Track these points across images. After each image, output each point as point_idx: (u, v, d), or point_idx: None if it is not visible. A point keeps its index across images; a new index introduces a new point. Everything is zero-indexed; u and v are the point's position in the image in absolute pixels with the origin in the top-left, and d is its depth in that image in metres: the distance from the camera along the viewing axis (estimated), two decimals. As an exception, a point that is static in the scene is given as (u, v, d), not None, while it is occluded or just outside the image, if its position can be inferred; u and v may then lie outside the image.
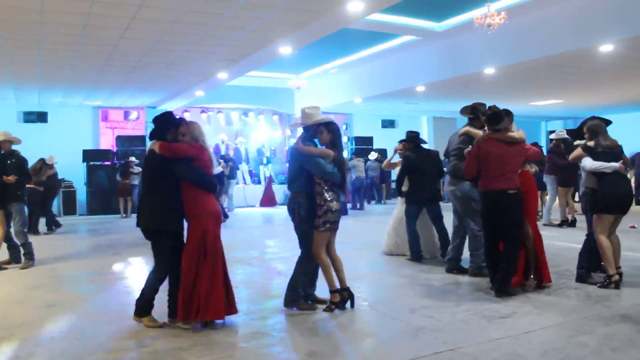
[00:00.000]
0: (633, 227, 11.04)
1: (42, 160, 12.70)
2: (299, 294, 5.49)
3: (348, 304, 5.42)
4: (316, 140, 5.49)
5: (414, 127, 25.02)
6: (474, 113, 6.76)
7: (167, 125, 5.06)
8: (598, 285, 6.13)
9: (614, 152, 6.17)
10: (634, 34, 9.84)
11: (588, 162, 6.17)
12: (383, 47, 14.80)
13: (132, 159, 16.97)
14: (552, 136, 12.17)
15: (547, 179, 11.92)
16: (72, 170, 17.37)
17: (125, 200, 16.80)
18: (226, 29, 9.79)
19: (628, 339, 4.41)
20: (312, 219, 5.29)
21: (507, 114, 5.91)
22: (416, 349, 4.28)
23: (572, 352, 4.13)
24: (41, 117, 18.43)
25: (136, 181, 16.40)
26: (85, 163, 17.84)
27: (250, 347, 4.47)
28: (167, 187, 4.89)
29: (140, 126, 20.08)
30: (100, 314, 5.53)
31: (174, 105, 19.44)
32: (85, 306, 5.93)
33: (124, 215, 16.68)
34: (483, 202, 6.08)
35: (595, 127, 6.28)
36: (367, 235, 11.04)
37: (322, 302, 5.52)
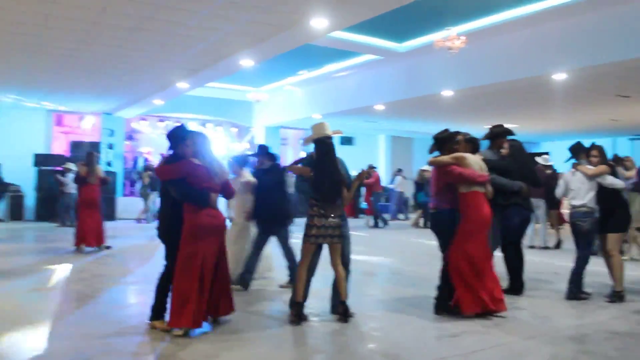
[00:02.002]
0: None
1: None
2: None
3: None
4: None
5: (372, 145, 25.45)
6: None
7: (175, 140, 5.28)
8: (607, 300, 6.50)
9: (615, 172, 6.78)
10: (586, 64, 10.20)
11: (617, 180, 6.54)
12: (344, 64, 14.93)
13: (69, 165, 15.29)
14: (540, 161, 12.08)
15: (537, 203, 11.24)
16: (21, 175, 16.90)
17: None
18: (188, 38, 9.74)
19: (572, 357, 4.51)
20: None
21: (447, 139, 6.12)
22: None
23: (519, 371, 4.21)
24: (-7, 120, 17.81)
25: (72, 189, 14.63)
26: (36, 168, 17.33)
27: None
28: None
29: (96, 132, 19.71)
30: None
31: (131, 113, 19.17)
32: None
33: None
34: None
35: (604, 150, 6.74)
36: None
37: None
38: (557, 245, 11.75)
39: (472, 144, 6.21)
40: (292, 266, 7.00)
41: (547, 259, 9.93)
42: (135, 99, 16.32)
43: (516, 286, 6.92)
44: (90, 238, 10.15)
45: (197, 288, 4.92)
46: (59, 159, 17.70)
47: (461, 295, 5.68)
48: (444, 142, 6.14)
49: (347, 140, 24.37)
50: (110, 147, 18.62)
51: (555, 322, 5.69)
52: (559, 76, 11.17)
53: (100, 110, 18.87)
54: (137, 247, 11.29)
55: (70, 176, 14.49)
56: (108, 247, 10.48)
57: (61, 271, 8.23)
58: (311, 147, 5.69)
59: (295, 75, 16.53)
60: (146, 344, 4.78)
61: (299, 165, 5.70)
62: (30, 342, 4.78)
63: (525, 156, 7.34)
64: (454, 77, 12.79)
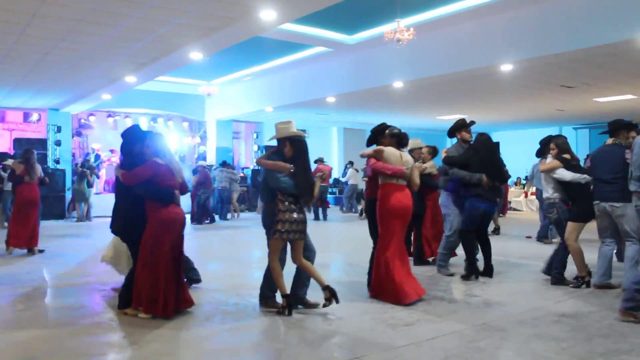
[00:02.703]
0: (529, 237, 11.65)
1: None
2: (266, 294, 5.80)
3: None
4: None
5: (325, 138, 25.51)
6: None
7: (134, 140, 5.57)
8: (571, 285, 6.76)
9: (579, 165, 6.94)
10: (531, 55, 10.42)
11: (567, 173, 6.75)
12: (295, 57, 14.87)
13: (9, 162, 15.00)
14: None
15: None
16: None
17: None
18: (135, 30, 9.52)
19: (523, 341, 4.62)
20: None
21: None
22: (322, 358, 4.30)
23: (471, 356, 4.28)
24: None
25: (7, 186, 13.74)
26: (-23, 166, 16.64)
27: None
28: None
29: (42, 129, 19.14)
30: None
31: (79, 108, 18.68)
32: None
33: None
34: None
35: (566, 144, 7.02)
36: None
37: (312, 306, 5.75)
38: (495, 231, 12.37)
39: (396, 138, 6.41)
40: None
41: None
42: (82, 93, 15.89)
43: (471, 270, 7.33)
44: (22, 239, 9.52)
45: (163, 278, 5.27)
46: (2, 157, 17.08)
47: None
48: (377, 135, 6.58)
49: (300, 133, 24.32)
50: (58, 143, 18.08)
51: (506, 307, 5.82)
52: (506, 67, 11.38)
53: (46, 105, 18.32)
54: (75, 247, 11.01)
55: (3, 174, 13.85)
56: (41, 251, 9.78)
57: None
58: (272, 142, 5.78)
59: (246, 69, 16.41)
60: (99, 344, 4.67)
61: (270, 160, 5.62)
62: (-26, 346, 4.61)
63: (490, 149, 7.56)
64: (404, 68, 12.90)
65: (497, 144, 8.42)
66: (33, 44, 10.26)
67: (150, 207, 5.38)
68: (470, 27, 11.19)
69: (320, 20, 11.27)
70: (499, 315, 5.49)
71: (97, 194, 18.29)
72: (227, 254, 10.20)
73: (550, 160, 7.05)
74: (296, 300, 5.76)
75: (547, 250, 7.45)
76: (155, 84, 17.08)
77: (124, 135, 5.68)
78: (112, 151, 19.51)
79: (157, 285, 5.27)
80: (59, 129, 18.31)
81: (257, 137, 22.90)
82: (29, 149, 10.13)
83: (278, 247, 5.57)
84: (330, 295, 5.51)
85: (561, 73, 12.48)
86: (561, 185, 6.88)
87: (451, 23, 11.23)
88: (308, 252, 5.78)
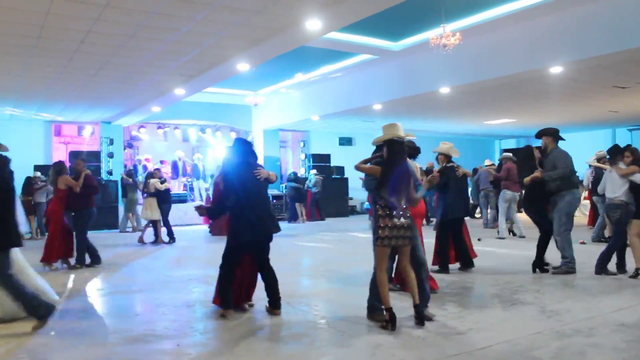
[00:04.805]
0: (583, 242, 11.36)
1: None
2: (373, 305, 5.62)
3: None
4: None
5: (372, 146, 25.32)
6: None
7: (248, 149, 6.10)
8: (630, 276, 7.57)
9: None
10: (581, 57, 10.20)
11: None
12: (340, 65, 14.93)
13: (38, 174, 15.61)
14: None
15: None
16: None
17: (29, 220, 14.41)
18: (183, 44, 9.75)
19: (579, 351, 4.49)
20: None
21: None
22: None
23: (526, 367, 4.19)
24: (-10, 131, 17.70)
25: (42, 198, 14.92)
26: (36, 179, 17.23)
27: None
28: None
29: (95, 141, 19.72)
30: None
31: (129, 121, 19.20)
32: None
33: (30, 236, 14.53)
34: None
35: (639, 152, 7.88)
36: (324, 253, 11.05)
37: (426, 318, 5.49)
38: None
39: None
40: None
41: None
42: (133, 106, 16.33)
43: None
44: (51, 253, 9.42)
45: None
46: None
47: None
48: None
49: (346, 141, 24.36)
50: (111, 155, 18.58)
51: (561, 316, 5.67)
52: (555, 69, 11.16)
53: (98, 119, 18.88)
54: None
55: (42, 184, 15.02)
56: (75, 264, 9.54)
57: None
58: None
59: (292, 78, 16.54)
60: (152, 352, 4.76)
61: (368, 164, 5.60)
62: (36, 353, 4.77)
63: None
64: (450, 74, 12.79)
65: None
66: (87, 59, 10.62)
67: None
68: (516, 30, 11.03)
69: (365, 28, 11.29)
70: (553, 324, 5.34)
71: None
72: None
73: (629, 167, 7.70)
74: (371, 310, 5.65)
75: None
76: (203, 95, 17.39)
77: (251, 145, 6.17)
78: (162, 162, 19.90)
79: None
80: (111, 142, 18.82)
81: (304, 145, 23.01)
82: (56, 162, 10.17)
83: (383, 254, 5.33)
84: (390, 319, 5.21)
85: (613, 74, 12.17)
86: (632, 188, 7.61)
87: (497, 27, 11.10)
88: (414, 263, 5.53)
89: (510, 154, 13.53)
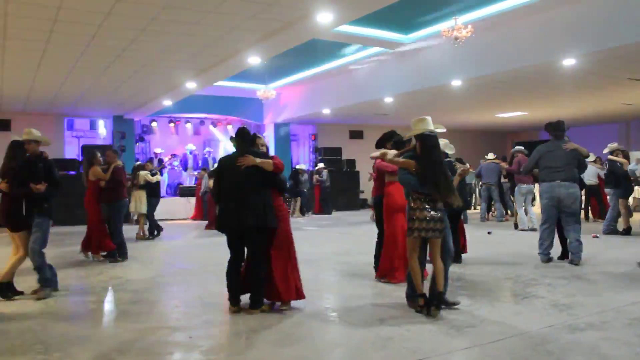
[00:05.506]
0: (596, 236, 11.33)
1: None
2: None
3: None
4: None
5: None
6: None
7: (252, 138, 6.08)
8: None
9: None
10: (594, 49, 10.11)
11: None
12: (352, 58, 14.89)
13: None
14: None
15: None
16: (35, 180, 16.96)
17: None
18: (194, 37, 9.76)
19: (592, 345, 4.47)
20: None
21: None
22: None
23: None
24: (4, 124, 17.87)
25: None
26: (49, 172, 17.32)
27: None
28: (268, 190, 5.80)
29: (107, 135, 19.82)
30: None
31: (141, 114, 19.26)
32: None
33: None
34: None
35: None
36: (336, 244, 11.06)
37: (452, 304, 5.77)
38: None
39: (397, 144, 6.85)
40: None
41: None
42: (144, 100, 16.39)
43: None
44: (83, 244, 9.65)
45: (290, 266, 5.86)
46: (72, 164, 17.79)
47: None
48: (384, 141, 7.19)
49: (356, 134, 24.30)
50: (123, 149, 18.65)
51: (574, 310, 5.65)
52: (568, 62, 11.07)
53: (110, 113, 18.97)
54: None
55: None
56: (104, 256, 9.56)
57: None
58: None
59: (303, 71, 16.53)
60: (167, 344, 4.80)
61: (401, 158, 5.69)
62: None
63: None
64: (463, 66, 12.72)
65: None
66: (98, 54, 10.67)
67: (275, 200, 5.83)
68: (529, 22, 10.95)
69: (376, 21, 11.24)
70: (566, 318, 5.32)
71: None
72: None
73: None
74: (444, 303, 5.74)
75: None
76: (215, 89, 17.42)
77: (246, 133, 5.98)
78: (174, 155, 19.97)
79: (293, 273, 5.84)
80: (123, 136, 18.90)
81: (314, 139, 23.00)
82: (88, 151, 10.11)
83: (414, 245, 5.56)
84: (425, 304, 5.48)
85: (628, 65, 12.04)
86: None
87: (509, 19, 11.02)
88: (443, 253, 5.68)
89: (522, 147, 13.48)
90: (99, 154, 9.76)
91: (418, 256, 5.60)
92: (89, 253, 9.60)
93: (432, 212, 5.44)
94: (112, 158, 9.60)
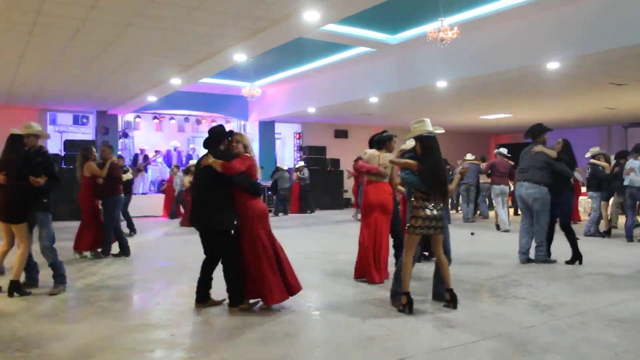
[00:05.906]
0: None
1: None
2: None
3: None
4: None
5: (367, 138, 25.35)
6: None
7: (221, 137, 5.86)
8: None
9: None
10: (578, 53, 10.21)
11: None
12: (338, 57, 14.88)
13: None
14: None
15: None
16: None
17: None
18: (179, 33, 9.70)
19: (572, 346, 4.51)
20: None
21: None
22: (366, 359, 4.29)
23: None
24: (-16, 119, 17.52)
25: None
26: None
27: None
28: (223, 191, 5.65)
29: (90, 131, 19.64)
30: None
31: (125, 110, 19.11)
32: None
33: None
34: None
35: None
36: (321, 244, 11.05)
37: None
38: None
39: (376, 143, 7.44)
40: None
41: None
42: (128, 96, 16.26)
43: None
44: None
45: (269, 267, 5.61)
46: (54, 158, 17.55)
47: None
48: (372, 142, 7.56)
49: (341, 133, 24.33)
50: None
51: (554, 311, 5.69)
52: (552, 65, 11.16)
53: (94, 108, 18.80)
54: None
55: None
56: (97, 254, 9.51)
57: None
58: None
59: (289, 70, 16.51)
60: (147, 341, 4.76)
61: (403, 159, 5.83)
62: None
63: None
64: (448, 68, 12.77)
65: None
66: (83, 48, 10.57)
67: (242, 200, 5.63)
68: (515, 25, 11.02)
69: (363, 21, 11.25)
70: (547, 318, 5.36)
71: (143, 193, 18.72)
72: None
73: None
74: (436, 297, 6.05)
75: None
76: (200, 86, 17.34)
77: (212, 132, 5.93)
78: (157, 152, 19.87)
79: (266, 275, 5.56)
80: (106, 131, 18.74)
81: (299, 137, 22.98)
82: (83, 147, 9.94)
83: (412, 242, 5.66)
84: (451, 299, 5.73)
85: (611, 70, 12.17)
86: None
87: (495, 22, 11.09)
88: (444, 247, 5.91)
89: (504, 149, 13.65)
90: (94, 150, 9.66)
91: (414, 254, 5.72)
92: (88, 252, 9.48)
93: (434, 211, 5.59)
94: (107, 153, 9.51)
